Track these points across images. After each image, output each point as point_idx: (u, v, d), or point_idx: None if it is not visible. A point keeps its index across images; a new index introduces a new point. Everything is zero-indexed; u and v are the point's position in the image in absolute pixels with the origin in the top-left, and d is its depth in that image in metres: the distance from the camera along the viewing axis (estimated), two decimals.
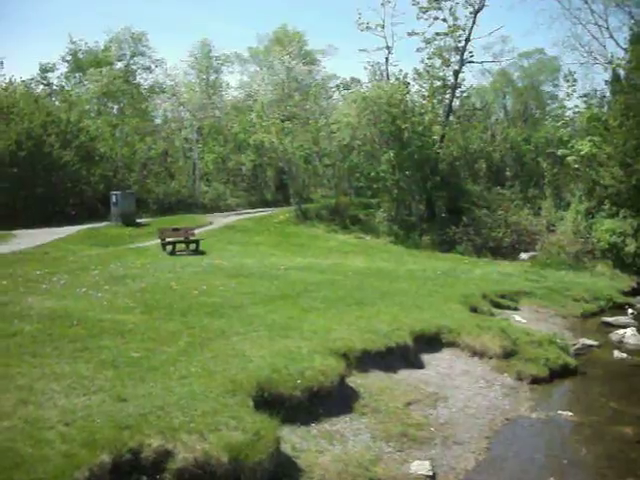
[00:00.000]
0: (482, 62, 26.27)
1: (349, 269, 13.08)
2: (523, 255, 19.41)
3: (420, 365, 7.49)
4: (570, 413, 6.73)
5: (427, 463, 4.99)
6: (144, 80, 35.21)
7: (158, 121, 33.41)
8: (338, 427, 5.36)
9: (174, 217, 20.80)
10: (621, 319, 12.30)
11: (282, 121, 24.19)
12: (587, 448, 5.95)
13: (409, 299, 9.81)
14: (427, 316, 8.67)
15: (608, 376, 8.72)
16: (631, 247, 17.27)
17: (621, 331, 10.97)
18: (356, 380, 6.27)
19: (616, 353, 9.60)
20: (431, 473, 4.86)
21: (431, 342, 8.08)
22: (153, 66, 35.12)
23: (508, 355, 8.04)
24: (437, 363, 7.69)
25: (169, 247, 14.01)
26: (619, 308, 13.98)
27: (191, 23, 63.47)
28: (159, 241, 14.61)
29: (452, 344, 8.18)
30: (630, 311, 13.68)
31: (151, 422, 4.09)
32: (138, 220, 19.58)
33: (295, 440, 4.88)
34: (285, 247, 17.21)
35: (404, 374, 7.00)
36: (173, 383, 4.89)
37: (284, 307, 8.34)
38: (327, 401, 5.60)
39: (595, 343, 10.05)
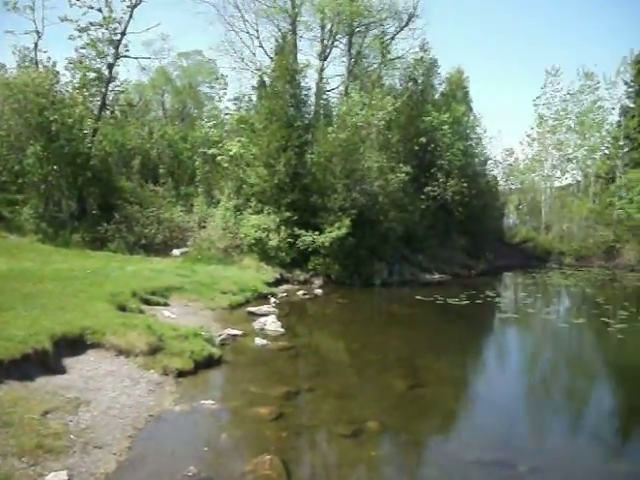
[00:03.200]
0: (137, 58, 27.01)
1: None
2: (175, 251, 20.70)
3: (62, 370, 7.34)
4: (212, 401, 7.39)
5: (64, 473, 4.91)
6: None
7: None
8: None
9: None
10: (264, 308, 14.15)
11: None
12: (227, 432, 6.63)
13: (53, 301, 9.51)
14: (71, 318, 8.52)
15: (250, 362, 9.85)
16: (274, 241, 19.97)
17: (263, 319, 12.56)
18: None
19: (258, 340, 10.95)
20: None
21: (75, 345, 7.97)
22: None
23: (154, 351, 8.40)
24: (81, 366, 7.62)
25: None
26: (264, 298, 16.15)
27: None
28: None
29: (97, 345, 8.22)
30: (273, 300, 15.98)
31: None
32: None
33: None
34: None
35: (42, 381, 6.78)
36: None
37: None
38: None
39: (240, 332, 11.32)
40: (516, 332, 16.30)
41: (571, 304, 22.23)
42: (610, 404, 10.04)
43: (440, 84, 31.68)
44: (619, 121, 40.50)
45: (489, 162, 35.87)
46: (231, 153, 22.16)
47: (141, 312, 10.84)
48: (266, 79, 23.89)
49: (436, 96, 30.57)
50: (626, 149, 39.45)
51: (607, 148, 40.51)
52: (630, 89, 43.30)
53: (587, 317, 17.98)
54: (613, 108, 41.00)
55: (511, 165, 41.66)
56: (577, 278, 28.20)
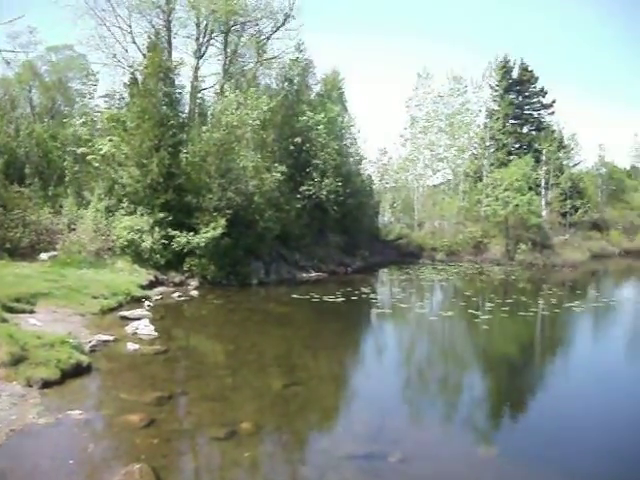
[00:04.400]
0: (1, 51, 26.11)
1: None
2: (43, 255, 20.15)
3: None
4: (79, 411, 7.44)
5: None
6: None
7: None
8: None
9: None
10: (137, 312, 14.24)
11: None
12: (95, 443, 6.70)
13: None
14: None
15: (121, 368, 9.92)
16: (148, 242, 20.11)
17: (136, 323, 12.71)
18: None
19: (130, 345, 11.04)
20: None
21: None
22: None
23: (17, 362, 8.34)
24: None
25: None
26: (137, 302, 16.20)
27: None
28: None
29: None
30: (147, 303, 16.14)
31: None
32: None
33: None
34: None
35: None
36: None
37: None
38: None
39: (111, 338, 11.38)
40: (389, 327, 17.32)
41: (442, 298, 23.95)
42: (479, 391, 10.92)
43: (316, 84, 33.04)
44: (485, 123, 44.38)
45: (364, 161, 37.93)
46: (102, 152, 22.03)
47: (4, 321, 10.67)
48: (139, 76, 23.84)
49: (312, 96, 31.77)
50: (492, 149, 43.25)
51: (475, 148, 44.17)
52: (495, 93, 48.06)
53: (456, 310, 19.54)
54: (480, 110, 44.75)
55: (385, 164, 44.64)
56: (448, 273, 30.41)
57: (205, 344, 13.46)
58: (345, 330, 15.98)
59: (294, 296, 20.17)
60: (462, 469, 6.94)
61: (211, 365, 11.16)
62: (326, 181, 28.04)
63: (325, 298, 19.71)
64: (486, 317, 17.20)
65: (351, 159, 33.93)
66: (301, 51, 30.58)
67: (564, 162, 47.39)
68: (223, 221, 21.25)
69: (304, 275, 25.87)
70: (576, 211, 45.38)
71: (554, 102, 50.58)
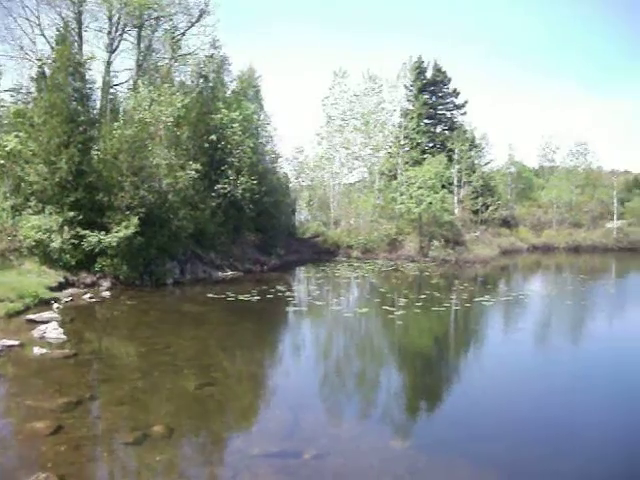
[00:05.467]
0: None
1: None
2: None
3: None
4: None
5: None
6: None
7: None
8: None
9: None
10: (45, 315, 14.27)
11: None
12: None
13: None
14: None
15: (27, 374, 9.96)
16: (57, 243, 20.03)
17: (44, 327, 12.75)
18: None
19: (37, 349, 11.09)
20: None
21: None
22: None
23: None
24: None
25: None
26: (46, 304, 16.20)
27: None
28: None
29: None
30: (56, 305, 16.17)
31: None
32: None
33: None
34: None
35: None
36: None
37: None
38: None
39: (16, 342, 11.42)
40: (305, 325, 17.89)
41: (357, 295, 24.84)
42: (394, 386, 11.37)
43: (232, 82, 33.56)
44: (400, 122, 46.07)
45: (280, 159, 38.75)
46: (7, 149, 21.71)
47: None
48: (47, 70, 23.49)
49: (227, 93, 32.21)
50: (406, 148, 44.95)
51: (390, 147, 45.70)
52: (410, 93, 50.46)
53: (371, 306, 20.36)
54: (394, 110, 46.36)
55: (302, 162, 45.76)
56: (363, 270, 31.45)
57: (116, 346, 13.50)
58: (261, 329, 16.47)
59: (210, 295, 20.53)
60: (376, 462, 7.18)
61: (122, 368, 11.20)
62: (241, 179, 28.53)
63: (241, 297, 20.15)
64: (400, 313, 18.06)
65: (267, 157, 34.68)
66: (217, 48, 30.97)
67: (475, 161, 49.94)
68: (136, 220, 21.42)
69: (220, 274, 26.30)
70: (487, 208, 47.78)
71: (466, 103, 53.48)
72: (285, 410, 9.01)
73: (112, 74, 28.03)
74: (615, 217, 54.34)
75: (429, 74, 52.06)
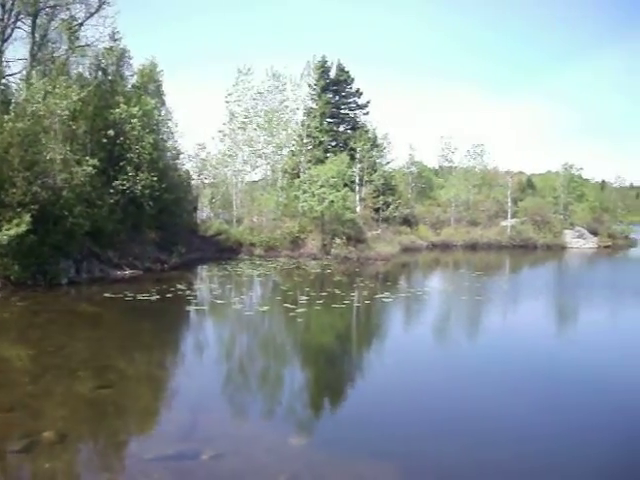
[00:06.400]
0: None
1: None
2: None
3: None
4: None
5: None
6: None
7: None
8: None
9: None
10: None
11: None
12: None
13: None
14: None
15: None
16: None
17: None
18: None
19: None
20: None
21: None
22: None
23: None
24: None
25: None
26: None
27: None
28: None
29: None
30: None
31: None
32: None
33: None
34: None
35: None
36: None
37: None
38: None
39: None
40: (205, 324, 18.24)
41: (259, 293, 25.37)
42: (294, 384, 11.75)
43: (132, 75, 33.19)
44: (303, 121, 47.00)
45: (182, 156, 38.61)
46: None
47: None
48: None
49: (127, 87, 31.90)
50: (309, 147, 46.04)
51: (293, 145, 46.73)
52: (313, 92, 51.70)
53: (272, 304, 20.96)
54: (298, 108, 47.28)
55: (204, 159, 45.92)
56: (266, 268, 32.07)
57: (5, 350, 13.23)
58: (160, 329, 16.62)
59: (107, 295, 20.48)
60: (274, 461, 7.38)
61: (11, 372, 10.99)
62: (141, 175, 28.41)
63: (139, 296, 20.24)
64: (301, 310, 18.71)
65: (168, 153, 34.51)
66: (116, 40, 30.66)
67: (377, 160, 51.80)
68: (28, 217, 21.01)
69: (118, 273, 26.19)
70: (388, 207, 49.62)
71: (369, 103, 55.18)
72: (184, 411, 9.10)
73: (4, 64, 26.93)
74: (509, 216, 57.93)
75: (333, 73, 53.29)
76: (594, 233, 58.83)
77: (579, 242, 56.62)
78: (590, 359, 14.39)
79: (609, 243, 58.19)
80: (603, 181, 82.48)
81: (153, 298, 20.30)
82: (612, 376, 12.58)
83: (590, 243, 57.01)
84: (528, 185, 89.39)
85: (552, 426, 9.19)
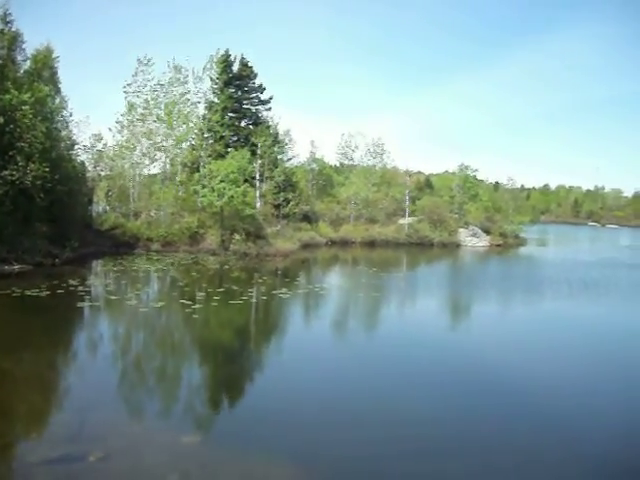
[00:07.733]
0: None
1: None
2: None
3: None
4: None
5: None
6: None
7: None
8: None
9: None
10: None
11: None
12: None
13: None
14: None
15: None
16: None
17: None
18: None
19: None
20: None
21: None
22: None
23: None
24: None
25: None
26: None
27: None
28: None
29: None
30: None
31: None
32: None
33: None
34: None
35: None
36: None
37: None
38: None
39: None
40: (98, 321, 18.12)
41: (155, 289, 25.42)
42: (190, 381, 11.91)
43: (25, 61, 32.15)
44: (205, 114, 47.03)
45: (77, 147, 37.84)
46: None
47: None
48: None
49: (19, 73, 30.97)
50: (210, 141, 46.22)
51: (193, 139, 46.64)
52: (215, 85, 51.75)
53: (168, 300, 21.01)
54: (199, 102, 47.26)
55: (100, 151, 45.00)
56: (163, 263, 32.06)
57: None
58: (50, 327, 16.37)
59: None
60: (165, 459, 7.52)
61: None
62: (32, 166, 27.70)
63: (29, 292, 19.88)
64: (198, 306, 19.01)
65: (62, 143, 33.70)
66: (8, 22, 29.70)
67: (279, 156, 52.44)
68: None
69: (6, 268, 25.58)
70: (288, 203, 50.44)
71: (271, 98, 55.87)
72: (73, 412, 9.05)
73: None
74: (407, 214, 60.45)
75: (236, 68, 53.52)
76: (487, 232, 62.29)
77: (473, 240, 59.94)
78: (481, 350, 15.72)
79: (500, 242, 61.73)
80: (497, 182, 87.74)
81: (43, 294, 19.96)
82: (503, 366, 13.97)
83: (483, 241, 60.45)
84: (426, 184, 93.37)
85: (442, 411, 10.28)
